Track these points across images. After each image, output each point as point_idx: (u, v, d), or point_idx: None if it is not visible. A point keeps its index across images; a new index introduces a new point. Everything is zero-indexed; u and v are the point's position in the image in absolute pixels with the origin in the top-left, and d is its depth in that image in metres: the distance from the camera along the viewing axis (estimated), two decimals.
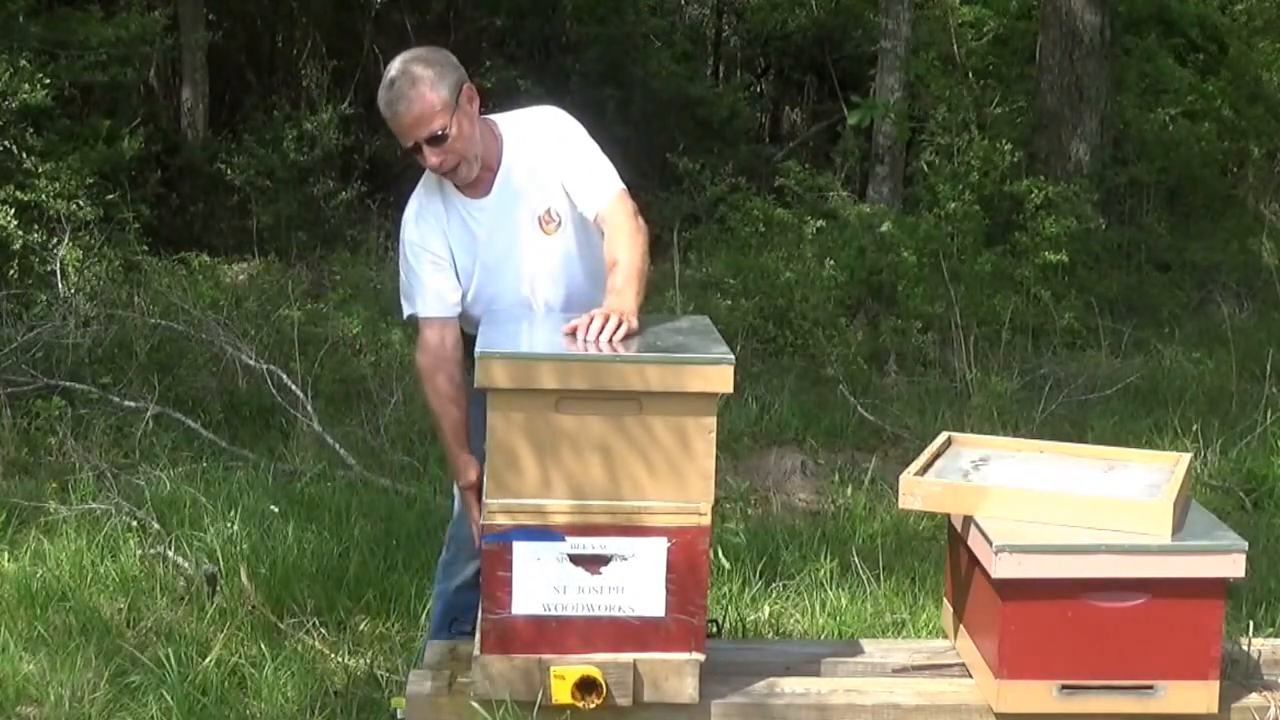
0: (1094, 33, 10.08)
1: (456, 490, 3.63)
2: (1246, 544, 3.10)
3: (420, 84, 3.29)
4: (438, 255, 3.46)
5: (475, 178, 3.42)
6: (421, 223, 3.48)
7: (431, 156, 3.32)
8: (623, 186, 3.45)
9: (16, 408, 6.14)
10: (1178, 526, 3.11)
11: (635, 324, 3.18)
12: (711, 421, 3.04)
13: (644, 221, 3.44)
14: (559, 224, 3.46)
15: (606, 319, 3.15)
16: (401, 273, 3.54)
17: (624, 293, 3.25)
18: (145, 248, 8.36)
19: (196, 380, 6.77)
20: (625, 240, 3.35)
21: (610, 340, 3.11)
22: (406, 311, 3.55)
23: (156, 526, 4.90)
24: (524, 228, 3.45)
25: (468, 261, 3.46)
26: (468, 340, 3.44)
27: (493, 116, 3.51)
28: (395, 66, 3.33)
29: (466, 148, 3.35)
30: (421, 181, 3.54)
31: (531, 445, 3.01)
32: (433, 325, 3.49)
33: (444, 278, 3.47)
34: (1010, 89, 11.03)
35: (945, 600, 3.58)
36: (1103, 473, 3.45)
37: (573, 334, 3.14)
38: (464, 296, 3.49)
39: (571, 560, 3.05)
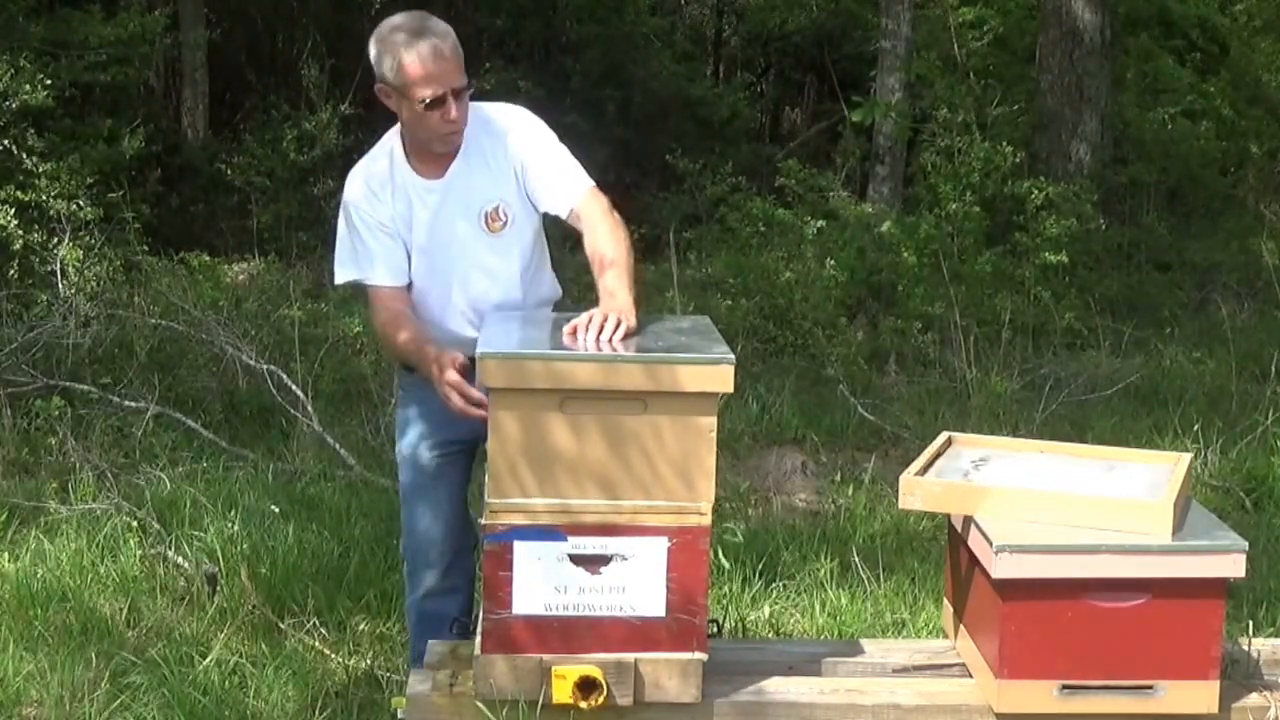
0: (1094, 33, 10.09)
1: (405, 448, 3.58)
2: (1247, 544, 3.10)
3: (449, 38, 3.30)
4: (385, 224, 3.43)
5: (435, 153, 3.39)
6: (369, 191, 3.44)
7: (454, 109, 3.30)
8: (593, 182, 3.44)
9: (16, 408, 6.14)
10: (1178, 526, 3.11)
11: (634, 323, 3.18)
12: (712, 421, 3.04)
13: (619, 216, 3.43)
14: (505, 223, 3.44)
15: (605, 319, 3.15)
16: (342, 237, 3.49)
17: (617, 292, 3.24)
18: (145, 248, 8.36)
19: (197, 380, 6.77)
20: (608, 236, 3.34)
21: (610, 340, 3.11)
22: (347, 278, 3.49)
23: (157, 526, 4.91)
24: (469, 220, 3.43)
25: (405, 234, 3.44)
26: None
27: None
28: (407, 20, 3.30)
29: (466, 112, 3.35)
30: (371, 152, 3.51)
31: (532, 445, 3.01)
32: (385, 292, 3.46)
33: (395, 246, 3.44)
34: (1010, 89, 11.04)
35: (945, 600, 3.58)
36: (1103, 473, 3.45)
37: (574, 334, 3.14)
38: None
39: (572, 560, 3.05)
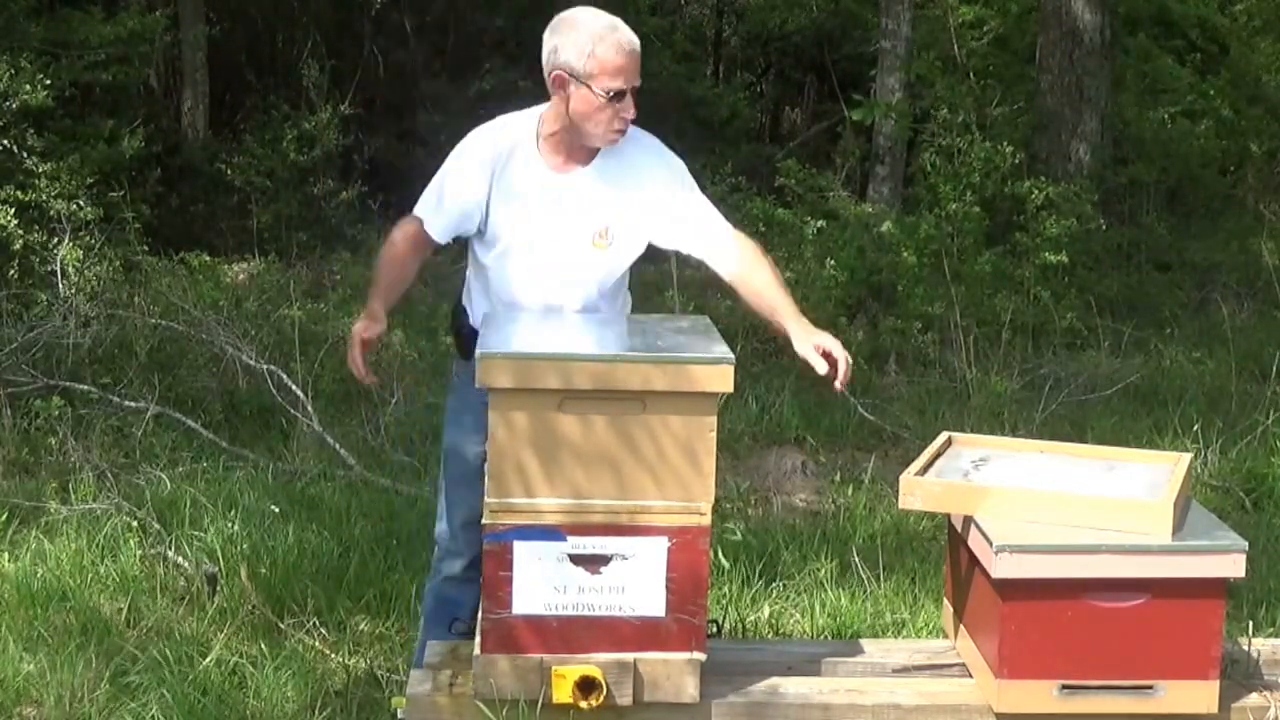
0: (1094, 33, 10.08)
1: (444, 484, 3.65)
2: (1246, 544, 3.10)
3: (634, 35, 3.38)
4: (474, 181, 3.44)
5: (572, 150, 3.43)
6: (481, 146, 3.46)
7: (633, 108, 3.36)
8: (729, 224, 3.53)
9: (17, 408, 6.14)
10: (1178, 526, 3.11)
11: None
12: (712, 421, 3.04)
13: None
14: (610, 244, 3.46)
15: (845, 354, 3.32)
16: (439, 174, 3.53)
17: (808, 324, 3.40)
18: (145, 248, 8.36)
19: (197, 380, 6.77)
20: (775, 279, 3.48)
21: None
22: (418, 205, 3.55)
23: (157, 526, 4.91)
24: (578, 231, 3.44)
25: (503, 209, 3.45)
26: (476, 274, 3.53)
27: None
28: (601, 14, 3.38)
29: None
30: (502, 120, 3.51)
31: (532, 445, 3.01)
32: (413, 228, 3.51)
33: (460, 209, 3.46)
34: (1010, 89, 11.03)
35: (945, 600, 3.59)
36: (1103, 473, 3.45)
37: (826, 357, 3.29)
38: (485, 231, 3.48)
39: (572, 560, 3.05)
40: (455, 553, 3.63)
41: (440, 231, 3.52)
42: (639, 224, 3.47)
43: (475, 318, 3.57)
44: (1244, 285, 9.79)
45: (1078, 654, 3.07)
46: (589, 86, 3.32)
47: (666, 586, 3.06)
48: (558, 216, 3.44)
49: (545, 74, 3.40)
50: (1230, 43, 12.98)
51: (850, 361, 3.32)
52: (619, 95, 3.33)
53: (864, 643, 3.60)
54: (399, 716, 3.21)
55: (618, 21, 3.38)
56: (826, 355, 3.30)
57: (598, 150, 3.44)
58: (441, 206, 3.50)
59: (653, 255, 3.60)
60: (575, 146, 3.43)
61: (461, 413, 3.57)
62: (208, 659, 3.99)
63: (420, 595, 4.42)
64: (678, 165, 3.53)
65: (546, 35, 3.40)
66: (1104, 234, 9.55)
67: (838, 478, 6.13)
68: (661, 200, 3.46)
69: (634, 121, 3.41)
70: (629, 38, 3.36)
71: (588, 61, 3.32)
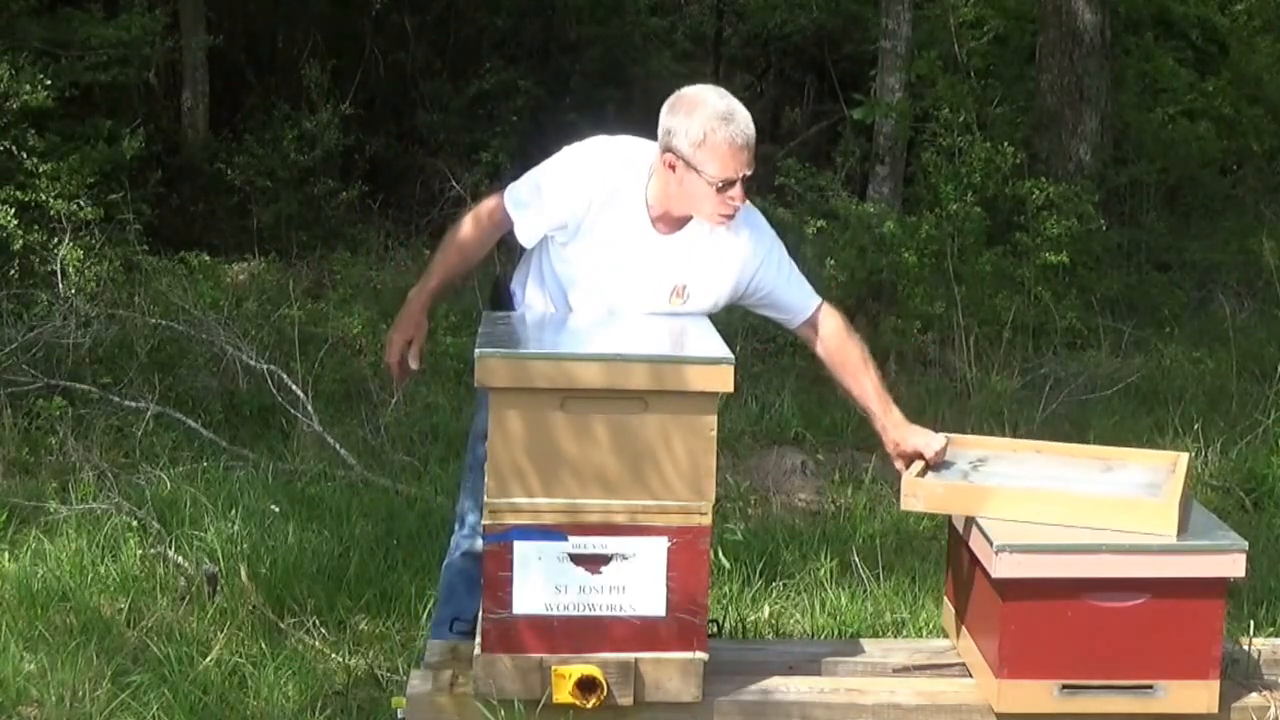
0: (1094, 33, 10.07)
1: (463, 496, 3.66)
2: (1247, 544, 3.10)
3: (753, 125, 3.38)
4: (573, 206, 3.42)
5: (673, 217, 3.44)
6: (596, 173, 3.43)
7: (739, 198, 3.37)
8: (819, 297, 3.58)
9: (17, 408, 6.14)
10: (1182, 527, 3.11)
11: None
12: (712, 421, 3.04)
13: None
14: (685, 301, 3.48)
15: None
16: (542, 170, 3.50)
17: (911, 425, 3.57)
18: (145, 248, 8.36)
19: (197, 380, 6.77)
20: (869, 365, 3.57)
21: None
22: (509, 194, 3.53)
23: (157, 526, 4.91)
24: (657, 289, 3.46)
25: (590, 247, 3.44)
26: (549, 282, 3.53)
27: None
28: (723, 96, 3.39)
29: None
30: (627, 156, 3.47)
31: (533, 445, 3.02)
32: (498, 215, 3.53)
33: (554, 218, 3.45)
34: (1010, 89, 11.03)
35: (946, 600, 3.59)
36: (1100, 473, 3.45)
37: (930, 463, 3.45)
38: (566, 247, 3.48)
39: (572, 560, 3.05)
40: (477, 531, 3.60)
41: (527, 234, 3.51)
42: (718, 290, 3.50)
43: (519, 304, 3.59)
44: (1244, 285, 9.79)
45: (1078, 654, 3.07)
46: (698, 173, 3.32)
47: (667, 586, 3.06)
48: (642, 274, 3.45)
49: (659, 149, 3.39)
50: (1230, 43, 12.97)
51: (941, 448, 3.48)
52: (730, 184, 3.34)
53: (864, 642, 3.60)
54: (399, 716, 3.21)
55: (735, 108, 3.36)
56: (918, 454, 3.46)
57: (688, 220, 3.45)
58: (542, 212, 3.47)
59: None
60: (676, 216, 3.45)
61: (480, 418, 3.55)
62: (208, 659, 3.99)
63: (420, 595, 4.43)
64: (772, 247, 3.55)
65: (664, 112, 3.39)
66: (1104, 234, 9.54)
67: (838, 478, 6.13)
68: (748, 284, 3.50)
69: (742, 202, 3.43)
70: (743, 129, 3.34)
71: (699, 151, 3.31)
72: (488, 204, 3.59)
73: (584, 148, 3.49)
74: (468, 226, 3.58)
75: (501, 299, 3.66)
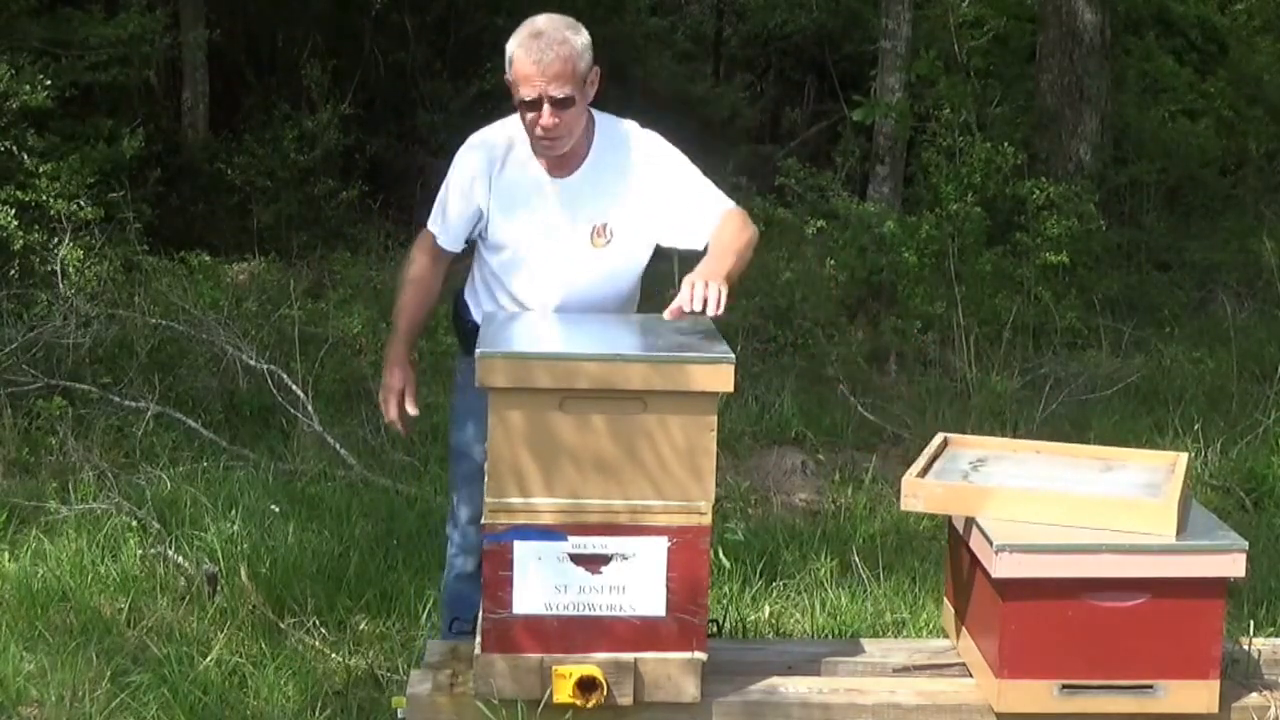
0: (1094, 33, 10.08)
1: (454, 483, 3.69)
2: (1247, 544, 3.10)
3: (569, 45, 3.29)
4: (470, 195, 3.48)
5: (557, 159, 3.42)
6: (476, 163, 3.48)
7: (549, 117, 3.29)
8: (731, 203, 3.46)
9: (17, 408, 6.14)
10: (1182, 527, 3.11)
11: (727, 291, 3.16)
12: (712, 421, 3.04)
13: (756, 227, 3.46)
14: (609, 241, 3.46)
15: (704, 285, 3.12)
16: (442, 188, 3.58)
17: (719, 261, 3.25)
18: (146, 247, 8.36)
19: (197, 380, 6.77)
20: (731, 229, 3.37)
21: (717, 305, 3.11)
22: (430, 219, 3.62)
23: (157, 526, 4.91)
24: (575, 229, 3.45)
25: (503, 218, 3.47)
26: (480, 268, 3.57)
27: (594, 110, 3.49)
28: (544, 19, 3.33)
29: (575, 125, 3.36)
30: (496, 125, 3.51)
31: (532, 445, 3.01)
32: (432, 249, 3.60)
33: (466, 220, 3.52)
34: (1010, 89, 11.03)
35: (946, 600, 3.58)
36: (1100, 473, 3.45)
37: (679, 314, 3.16)
38: (489, 237, 3.51)
39: (572, 560, 3.05)
40: (467, 550, 3.65)
41: (451, 242, 3.58)
42: (639, 223, 3.46)
43: (478, 313, 3.60)
44: (1244, 285, 9.79)
45: (1078, 654, 3.07)
46: (513, 92, 3.33)
47: (667, 586, 3.06)
48: (555, 218, 3.45)
49: None
50: (1230, 42, 12.98)
51: (709, 295, 3.13)
52: (531, 104, 3.30)
53: (864, 642, 3.60)
54: (399, 716, 3.21)
55: (551, 25, 3.31)
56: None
57: (588, 153, 3.43)
58: (447, 219, 3.55)
59: (652, 255, 3.59)
60: (560, 156, 3.42)
61: (467, 412, 3.58)
62: (208, 659, 3.99)
63: (420, 595, 4.44)
64: (673, 161, 3.49)
65: None
66: (1104, 234, 9.55)
67: (838, 478, 6.13)
68: (658, 200, 3.44)
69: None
70: (545, 45, 3.27)
71: (509, 67, 3.33)
72: (419, 238, 3.66)
73: (468, 140, 3.54)
74: (412, 264, 3.67)
75: (461, 312, 3.70)
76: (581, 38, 3.34)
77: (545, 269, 3.48)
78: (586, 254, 3.46)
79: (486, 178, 3.47)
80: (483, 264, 3.59)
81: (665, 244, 3.52)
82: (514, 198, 3.46)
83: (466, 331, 3.62)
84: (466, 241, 3.60)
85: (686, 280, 3.18)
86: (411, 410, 3.63)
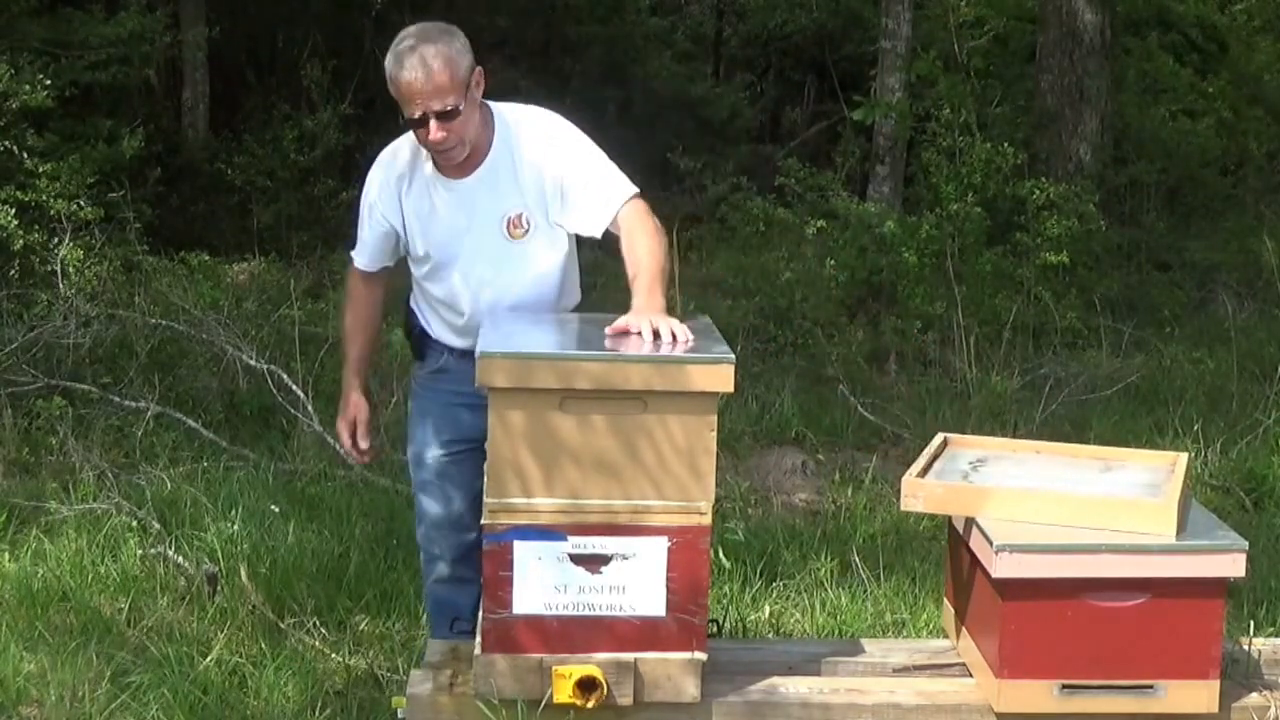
0: (1094, 33, 10.08)
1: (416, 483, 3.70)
2: (1247, 544, 3.10)
3: (441, 57, 3.26)
4: (384, 218, 3.53)
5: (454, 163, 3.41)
6: (383, 182, 3.52)
7: (436, 131, 3.28)
8: (635, 190, 3.42)
9: (17, 408, 6.14)
10: (1181, 527, 3.11)
11: (674, 325, 3.15)
12: (712, 421, 3.04)
13: (659, 221, 3.42)
14: (527, 231, 3.44)
15: (657, 331, 3.12)
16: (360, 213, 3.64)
17: (652, 294, 3.25)
18: (146, 247, 8.35)
19: (197, 380, 6.77)
20: (644, 244, 3.34)
21: (685, 343, 3.10)
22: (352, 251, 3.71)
23: (157, 526, 4.91)
24: (490, 225, 3.44)
25: (419, 230, 3.49)
26: (415, 287, 3.62)
27: (490, 103, 3.47)
28: (413, 33, 3.30)
29: (466, 130, 3.34)
30: (397, 141, 3.52)
31: (532, 445, 3.01)
32: (358, 274, 3.69)
33: (382, 238, 3.58)
34: (1010, 89, 11.03)
35: (946, 600, 3.59)
36: (1099, 473, 3.45)
37: (623, 334, 3.14)
38: (411, 250, 3.54)
39: (572, 560, 3.05)
40: (436, 556, 3.68)
41: (370, 263, 3.65)
42: (549, 204, 3.42)
43: (425, 319, 3.64)
44: (1244, 285, 9.79)
45: (1078, 654, 3.07)
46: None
47: (667, 586, 3.06)
48: (468, 220, 3.44)
49: None
50: (1230, 42, 12.98)
51: (662, 329, 3.12)
52: (417, 121, 3.30)
53: (864, 643, 3.60)
54: (399, 716, 3.21)
55: (425, 38, 3.28)
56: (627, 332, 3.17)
57: (489, 149, 3.42)
58: (363, 241, 3.62)
59: (591, 243, 3.56)
60: (457, 161, 3.41)
61: (421, 418, 3.65)
62: (208, 659, 3.99)
63: (420, 595, 4.44)
64: (573, 143, 3.43)
65: None
66: (1104, 234, 9.55)
67: (837, 478, 6.13)
68: (562, 188, 3.41)
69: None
70: (419, 60, 3.24)
71: (391, 89, 3.33)
72: (349, 269, 3.73)
73: (373, 164, 3.57)
74: (349, 296, 3.75)
75: (409, 318, 3.73)
76: (456, 42, 3.31)
77: (470, 271, 3.47)
78: (507, 249, 3.45)
79: (395, 197, 3.49)
80: (417, 278, 3.61)
81: (567, 229, 3.47)
82: (425, 210, 3.47)
83: (415, 338, 3.68)
84: (397, 258, 3.63)
85: (634, 321, 3.16)
86: (363, 442, 3.68)
